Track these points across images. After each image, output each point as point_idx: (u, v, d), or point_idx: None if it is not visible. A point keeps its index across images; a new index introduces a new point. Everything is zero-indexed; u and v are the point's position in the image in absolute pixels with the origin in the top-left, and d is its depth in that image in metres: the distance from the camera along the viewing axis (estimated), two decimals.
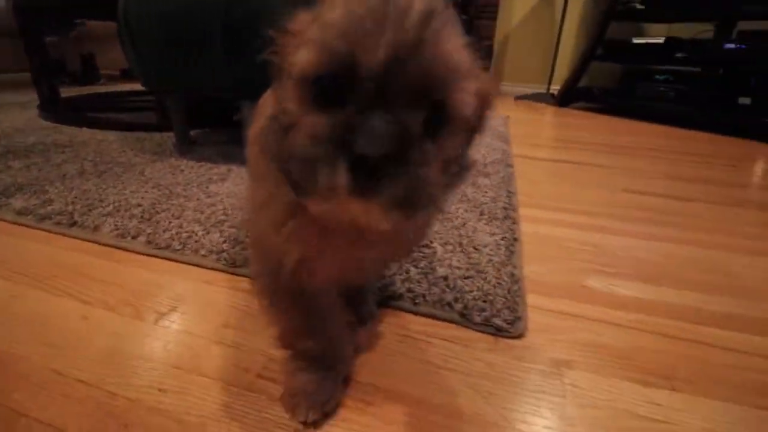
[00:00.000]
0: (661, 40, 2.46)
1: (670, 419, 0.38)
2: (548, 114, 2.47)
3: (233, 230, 0.69)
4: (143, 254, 0.62)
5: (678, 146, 1.64)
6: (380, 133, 0.20)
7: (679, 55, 2.39)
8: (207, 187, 0.89)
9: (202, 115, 1.47)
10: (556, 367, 0.43)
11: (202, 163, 1.06)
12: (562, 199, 0.95)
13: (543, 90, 3.34)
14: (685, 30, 2.63)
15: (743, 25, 2.32)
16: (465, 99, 0.23)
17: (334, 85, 0.21)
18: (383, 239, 0.29)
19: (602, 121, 2.27)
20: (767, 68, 2.06)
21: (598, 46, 2.71)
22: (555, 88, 3.09)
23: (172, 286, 0.55)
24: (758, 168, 1.26)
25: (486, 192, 0.92)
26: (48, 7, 1.66)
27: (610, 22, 2.65)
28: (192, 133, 1.34)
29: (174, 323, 0.48)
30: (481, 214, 0.79)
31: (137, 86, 2.52)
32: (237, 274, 0.57)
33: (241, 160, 1.09)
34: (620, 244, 0.74)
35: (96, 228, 0.68)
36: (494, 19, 3.18)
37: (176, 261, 0.60)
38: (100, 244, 0.65)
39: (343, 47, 0.21)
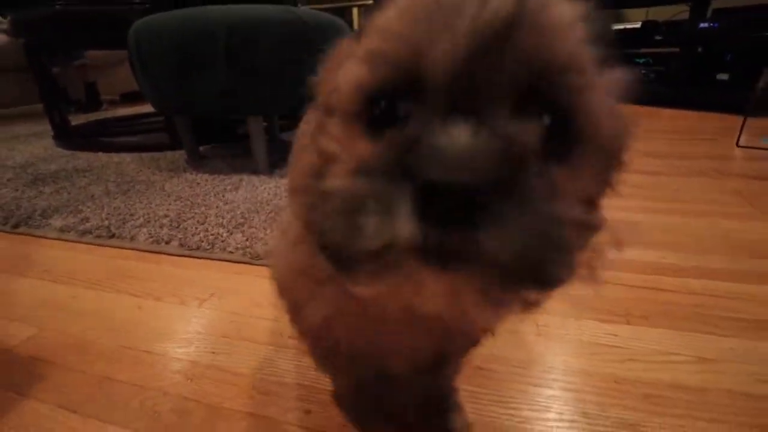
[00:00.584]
0: (638, 25, 2.56)
1: (626, 345, 0.47)
2: None
3: (252, 230, 0.78)
4: (177, 255, 0.72)
5: (656, 125, 1.73)
6: (468, 148, 0.12)
7: (656, 37, 2.48)
8: (223, 196, 0.98)
9: (209, 131, 1.57)
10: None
11: (215, 176, 1.15)
12: None
13: None
14: (662, 12, 2.73)
15: (717, 3, 2.41)
16: (601, 104, 0.15)
17: (393, 105, 0.15)
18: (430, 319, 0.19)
19: None
20: (740, 44, 2.14)
21: None
22: None
23: (207, 278, 0.65)
24: (724, 140, 1.35)
25: None
26: (56, 41, 1.77)
27: None
28: (201, 148, 1.45)
29: (214, 306, 0.57)
30: None
31: (139, 109, 2.64)
32: (261, 265, 0.67)
33: (249, 170, 1.18)
34: None
35: (133, 237, 0.78)
36: None
37: (207, 258, 0.70)
38: (138, 250, 0.74)
39: (403, 48, 0.15)
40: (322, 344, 0.27)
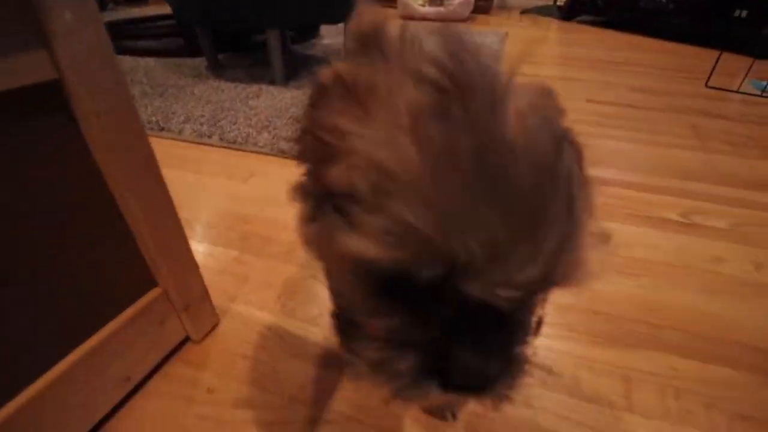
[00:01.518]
0: None
1: None
2: (551, 30, 2.52)
3: (276, 131, 0.96)
4: (219, 147, 0.90)
5: (658, 60, 1.78)
6: (487, 375, 0.16)
7: None
8: (247, 103, 1.13)
9: (227, 40, 1.65)
10: None
11: (237, 84, 1.28)
12: None
13: (550, 2, 3.28)
14: None
15: None
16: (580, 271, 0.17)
17: (409, 279, 0.15)
18: None
19: (604, 35, 2.35)
20: None
21: None
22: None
23: (246, 164, 0.84)
24: (716, 80, 1.44)
25: None
26: None
27: None
28: (219, 56, 1.54)
29: (255, 182, 0.77)
30: None
31: (145, 11, 2.60)
32: (285, 157, 0.86)
33: (267, 80, 1.31)
34: None
35: (180, 131, 0.96)
36: None
37: (243, 150, 0.88)
38: (187, 141, 0.93)
39: (435, 238, 0.14)
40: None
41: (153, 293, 0.40)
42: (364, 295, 0.17)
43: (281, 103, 1.13)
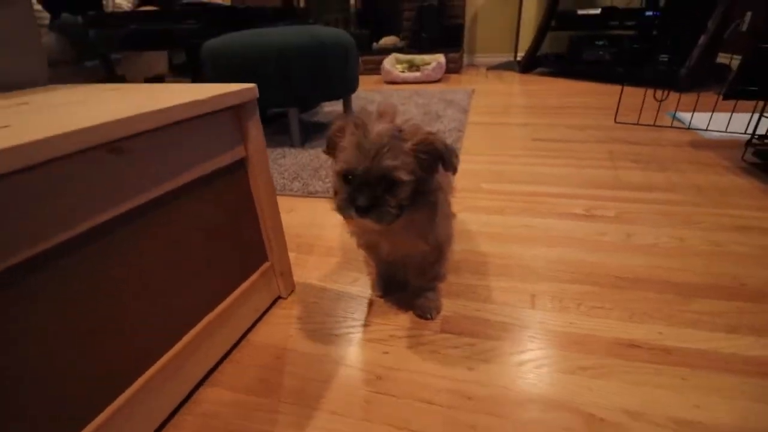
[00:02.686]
0: (598, 11, 2.98)
1: (500, 224, 1.02)
2: (513, 82, 3.02)
3: (304, 180, 1.32)
4: None
5: (593, 102, 2.23)
6: (361, 200, 0.51)
7: (612, 22, 2.91)
8: (277, 162, 1.52)
9: None
10: (455, 213, 1.07)
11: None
12: (489, 147, 1.57)
13: (511, 58, 3.86)
14: None
15: None
16: (401, 177, 0.51)
17: (348, 175, 0.53)
18: (393, 233, 0.61)
19: (555, 84, 2.83)
20: (676, 30, 2.59)
21: (552, 18, 3.23)
22: (521, 55, 3.62)
23: (286, 202, 1.19)
24: (637, 114, 1.85)
25: None
26: (123, 50, 2.24)
27: None
28: None
29: (294, 215, 1.12)
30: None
31: None
32: (313, 197, 1.21)
33: (287, 145, 1.71)
34: (511, 169, 1.36)
35: None
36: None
37: (281, 194, 1.24)
38: None
39: (347, 165, 0.52)
40: (359, 241, 0.71)
41: (266, 265, 0.73)
42: (339, 182, 0.55)
43: (303, 161, 1.51)
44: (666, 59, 2.70)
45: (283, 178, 1.35)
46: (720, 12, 2.36)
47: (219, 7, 2.06)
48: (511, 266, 0.85)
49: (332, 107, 2.42)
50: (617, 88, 2.56)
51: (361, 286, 0.81)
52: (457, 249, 0.92)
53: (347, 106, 1.93)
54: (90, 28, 2.06)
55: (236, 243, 0.66)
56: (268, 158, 0.68)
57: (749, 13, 2.81)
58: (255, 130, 0.63)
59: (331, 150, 0.58)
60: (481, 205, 1.12)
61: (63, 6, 2.52)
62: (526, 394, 0.56)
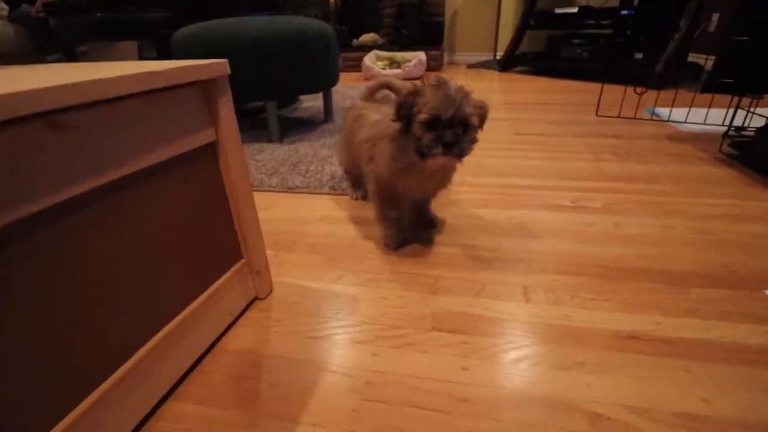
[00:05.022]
0: (575, 10, 3.02)
1: (488, 218, 0.99)
2: (493, 80, 3.02)
3: (282, 175, 1.26)
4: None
5: (571, 98, 2.25)
6: (449, 136, 0.65)
7: (588, 21, 2.96)
8: (254, 157, 1.44)
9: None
10: (441, 207, 1.03)
11: (243, 144, 1.60)
12: None
13: (491, 57, 3.88)
14: None
15: None
16: (474, 122, 0.67)
17: (434, 121, 0.66)
18: (434, 175, 0.77)
19: (534, 82, 2.85)
20: (650, 29, 2.64)
21: (530, 17, 3.25)
22: (500, 54, 3.64)
23: (265, 198, 1.12)
24: (617, 108, 1.87)
25: None
26: (90, 38, 2.10)
27: None
28: None
29: (273, 212, 1.06)
30: None
31: None
32: (293, 193, 1.15)
33: (265, 139, 1.64)
34: (495, 162, 1.34)
35: None
36: None
37: (259, 190, 1.18)
38: None
39: (435, 112, 0.66)
40: (391, 189, 0.81)
41: (241, 262, 0.67)
42: (423, 129, 0.67)
43: (281, 156, 1.44)
44: (641, 57, 2.76)
45: (261, 173, 1.29)
46: (691, 10, 2.43)
47: None
48: (501, 259, 0.82)
49: (311, 103, 2.35)
50: (596, 85, 2.61)
51: (345, 283, 0.76)
52: (446, 242, 0.88)
53: (327, 100, 1.87)
54: (51, 16, 1.92)
55: (205, 238, 0.60)
56: (242, 146, 0.62)
57: (716, 15, 2.92)
58: (227, 110, 0.58)
59: (403, 113, 0.70)
60: (468, 198, 1.08)
61: None
62: (524, 394, 0.52)
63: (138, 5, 1.77)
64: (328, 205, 1.08)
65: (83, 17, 1.75)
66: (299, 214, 1.03)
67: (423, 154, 0.69)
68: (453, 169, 0.80)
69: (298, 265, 0.82)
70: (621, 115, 1.76)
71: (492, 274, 0.77)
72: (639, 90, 1.66)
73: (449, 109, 0.65)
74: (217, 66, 0.54)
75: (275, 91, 1.51)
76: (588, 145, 1.48)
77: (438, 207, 1.03)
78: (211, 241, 0.61)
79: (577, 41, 3.04)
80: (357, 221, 0.99)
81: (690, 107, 1.63)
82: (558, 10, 3.11)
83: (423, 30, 3.59)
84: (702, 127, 1.59)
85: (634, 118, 1.73)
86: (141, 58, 3.35)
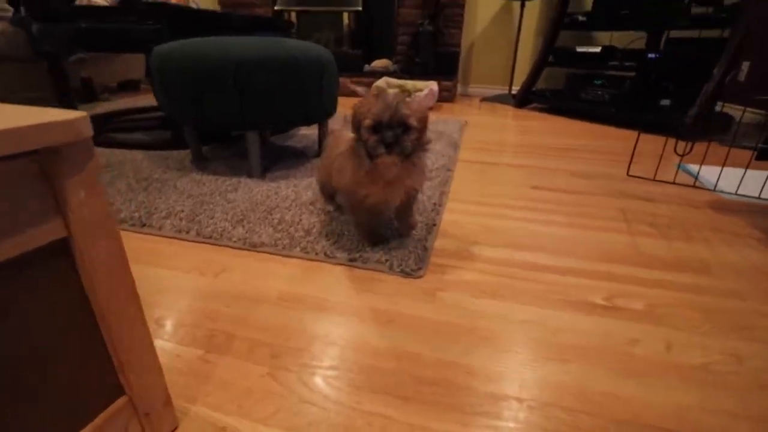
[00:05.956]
0: (598, 49, 2.85)
1: (495, 315, 0.76)
2: (507, 116, 2.84)
3: (250, 225, 1.05)
4: (195, 242, 0.98)
5: (595, 145, 2.03)
6: (389, 137, 0.76)
7: (612, 62, 2.78)
8: (226, 196, 1.24)
9: (210, 134, 1.81)
10: (434, 291, 0.81)
11: (217, 177, 1.41)
12: (482, 194, 1.33)
13: (506, 91, 3.71)
14: (623, 38, 3.03)
15: (673, 33, 2.71)
16: (413, 123, 0.77)
17: (377, 126, 0.77)
18: (399, 179, 0.84)
19: (552, 122, 2.65)
20: (679, 75, 2.46)
21: (550, 53, 3.09)
22: (516, 88, 3.47)
23: (219, 259, 0.91)
24: (646, 162, 1.65)
25: (426, 192, 1.29)
26: (77, 50, 1.96)
27: (559, 32, 3.03)
28: (204, 148, 1.69)
29: (225, 277, 0.84)
30: (416, 209, 1.17)
31: (135, 100, 2.84)
32: (257, 251, 0.94)
33: (245, 173, 1.44)
34: (507, 226, 1.12)
35: (160, 227, 1.04)
36: (460, 28, 3.52)
37: (217, 245, 0.96)
38: (166, 237, 1.00)
39: (377, 117, 0.77)
40: (356, 197, 0.88)
41: (121, 401, 0.44)
42: (369, 133, 0.78)
43: (257, 197, 1.24)
44: (667, 104, 2.57)
45: (225, 220, 1.08)
46: (726, 59, 2.24)
47: (183, 8, 1.82)
48: (505, 400, 0.58)
49: (309, 130, 2.17)
50: (620, 131, 2.40)
51: (280, 426, 0.53)
52: (432, 359, 0.65)
53: (322, 131, 1.68)
54: (35, 21, 1.78)
55: (60, 371, 0.38)
56: (119, 237, 0.41)
57: (746, 63, 2.72)
58: (86, 192, 0.36)
59: (355, 122, 0.82)
60: (471, 280, 0.86)
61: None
62: None
63: (127, 16, 1.62)
64: (294, 275, 0.86)
65: (65, 26, 1.60)
66: (254, 287, 0.81)
67: (371, 156, 0.80)
68: (411, 172, 0.86)
69: (225, 384, 0.59)
70: (658, 177, 1.53)
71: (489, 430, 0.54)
72: (681, 148, 1.44)
73: (387, 113, 0.76)
74: (66, 127, 0.33)
75: (257, 121, 1.32)
76: (618, 209, 1.25)
77: (433, 291, 0.81)
78: (68, 374, 0.39)
79: (599, 82, 2.86)
80: (323, 306, 0.77)
81: (723, 166, 1.41)
82: (579, 49, 2.95)
83: (437, 60, 3.45)
84: (755, 200, 1.36)
85: (674, 183, 1.50)
86: (147, 69, 3.24)
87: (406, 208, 0.96)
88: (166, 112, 1.43)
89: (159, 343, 0.67)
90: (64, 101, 1.99)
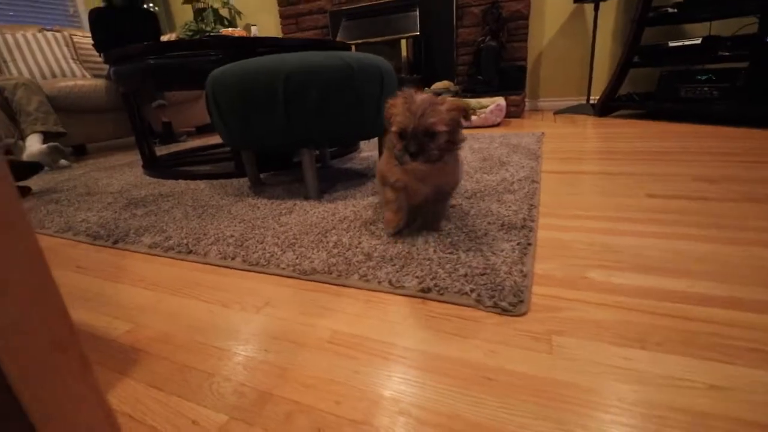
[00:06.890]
0: (698, 41, 2.44)
1: (636, 368, 0.50)
2: (587, 126, 2.50)
3: (302, 249, 0.90)
4: (241, 270, 0.85)
5: (712, 146, 1.64)
6: (413, 146, 0.75)
7: (720, 53, 2.35)
8: (279, 219, 1.12)
9: (269, 160, 1.77)
10: (548, 334, 0.56)
11: (273, 201, 1.31)
12: (582, 207, 1.06)
13: (583, 101, 3.36)
14: (727, 26, 2.58)
15: None
16: (439, 129, 0.75)
17: (402, 134, 0.77)
18: (428, 177, 0.85)
19: (646, 128, 2.27)
20: None
21: (634, 53, 2.73)
22: (595, 98, 3.11)
23: (264, 289, 0.76)
24: None
25: (510, 206, 1.06)
26: (148, 87, 2.10)
27: (644, 29, 2.67)
28: (262, 176, 1.63)
29: (268, 312, 0.68)
30: (502, 225, 0.93)
31: (210, 140, 2.98)
32: (307, 280, 0.77)
33: (302, 196, 1.33)
34: (629, 243, 0.83)
35: (206, 254, 0.93)
36: (525, 40, 3.30)
37: (264, 273, 0.82)
38: (210, 264, 0.89)
39: (402, 125, 0.77)
40: (387, 180, 0.89)
41: None
42: (395, 139, 0.80)
43: (312, 219, 1.10)
44: None
45: (275, 245, 0.94)
46: None
47: (243, 38, 1.84)
48: None
49: (371, 152, 2.05)
50: (735, 130, 1.96)
51: None
52: None
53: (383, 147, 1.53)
54: (111, 65, 1.92)
55: None
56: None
57: None
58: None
59: (386, 124, 0.82)
60: (602, 320, 0.60)
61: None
62: None
63: (193, 49, 1.66)
64: (351, 310, 0.67)
65: (136, 64, 1.68)
66: (300, 325, 0.64)
67: (398, 159, 0.80)
68: (442, 170, 0.84)
69: None
70: None
71: None
72: None
73: (411, 123, 0.75)
74: None
75: (310, 138, 1.21)
76: (766, 217, 0.90)
77: (546, 335, 0.56)
78: None
79: (704, 77, 2.42)
80: (388, 354, 0.56)
81: None
82: (673, 43, 2.55)
83: (501, 75, 3.24)
84: None
85: None
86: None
87: (436, 202, 0.94)
88: (222, 138, 1.38)
89: (174, 402, 0.51)
90: (141, 141, 2.10)
